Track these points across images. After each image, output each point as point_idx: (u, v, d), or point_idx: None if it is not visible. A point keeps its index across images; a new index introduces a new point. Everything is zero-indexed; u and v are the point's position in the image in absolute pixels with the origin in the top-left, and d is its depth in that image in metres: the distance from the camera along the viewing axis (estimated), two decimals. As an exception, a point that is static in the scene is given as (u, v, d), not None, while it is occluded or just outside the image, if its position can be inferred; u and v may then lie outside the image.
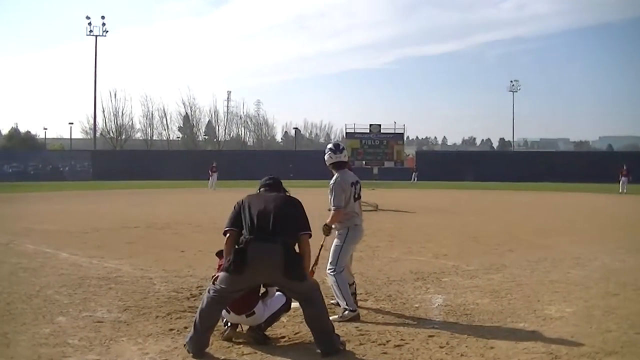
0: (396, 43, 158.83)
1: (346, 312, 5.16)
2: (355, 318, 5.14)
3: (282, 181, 4.82)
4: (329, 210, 5.43)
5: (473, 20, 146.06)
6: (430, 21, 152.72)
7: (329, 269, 5.31)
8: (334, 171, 5.55)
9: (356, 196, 5.51)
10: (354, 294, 5.42)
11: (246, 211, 4.37)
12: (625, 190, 30.35)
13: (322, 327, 4.27)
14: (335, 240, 5.42)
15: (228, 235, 4.42)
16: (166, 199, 24.26)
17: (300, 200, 4.61)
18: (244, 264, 4.13)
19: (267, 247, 4.17)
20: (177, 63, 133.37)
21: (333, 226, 5.44)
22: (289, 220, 4.33)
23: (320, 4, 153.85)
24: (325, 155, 5.62)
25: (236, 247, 4.24)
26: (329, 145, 5.70)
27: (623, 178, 31.01)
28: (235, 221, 4.41)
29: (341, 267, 5.30)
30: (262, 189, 4.71)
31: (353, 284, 5.51)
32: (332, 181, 5.44)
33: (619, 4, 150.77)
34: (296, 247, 4.40)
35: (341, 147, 5.69)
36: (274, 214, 4.30)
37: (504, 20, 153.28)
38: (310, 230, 4.46)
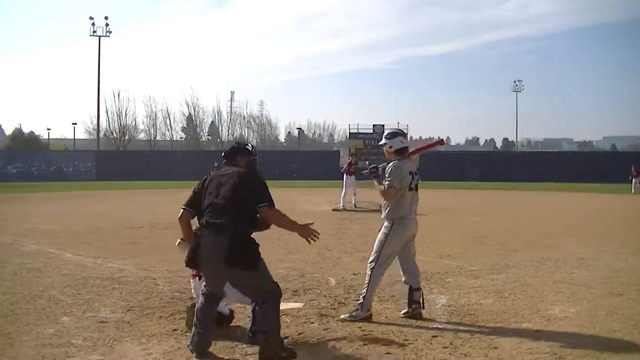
0: (399, 43, 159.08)
1: (358, 311, 5.12)
2: (367, 319, 5.10)
3: (247, 147, 4.57)
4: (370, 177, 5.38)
5: (476, 20, 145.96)
6: (433, 21, 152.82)
7: (370, 262, 5.25)
8: (393, 157, 5.35)
9: (412, 186, 5.33)
10: (417, 302, 5.25)
11: (204, 193, 4.27)
12: (634, 191, 30.13)
13: (264, 326, 4.06)
14: (380, 232, 5.33)
15: (181, 212, 4.40)
16: (169, 200, 24.20)
17: (258, 171, 4.40)
18: (196, 258, 4.14)
19: (214, 239, 4.04)
20: (181, 63, 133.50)
21: (382, 216, 5.37)
22: (242, 201, 4.10)
23: (322, 4, 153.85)
24: (392, 139, 5.37)
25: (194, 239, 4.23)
26: (394, 131, 5.50)
27: (634, 179, 30.81)
28: (192, 202, 4.36)
29: (383, 261, 5.21)
30: (224, 161, 4.51)
31: (419, 290, 5.30)
32: (390, 164, 5.27)
33: (622, 4, 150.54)
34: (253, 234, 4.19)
35: (405, 133, 5.57)
36: (224, 196, 4.12)
37: (506, 20, 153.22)
38: (270, 201, 4.14)
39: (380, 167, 5.39)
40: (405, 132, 51.45)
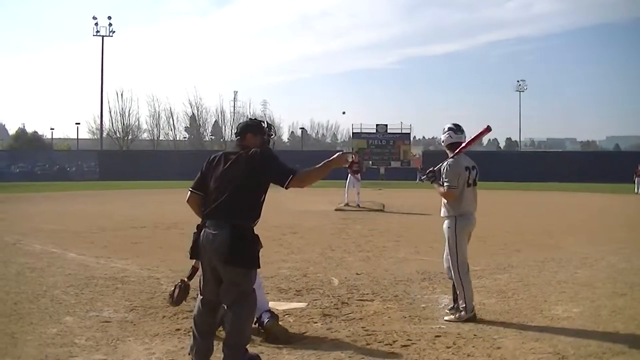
0: (401, 43, 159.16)
1: (463, 313, 5.10)
2: (472, 319, 5.08)
3: (261, 123, 4.14)
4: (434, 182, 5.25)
5: (478, 20, 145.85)
6: (435, 21, 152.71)
7: (454, 271, 5.21)
8: (448, 152, 5.32)
9: (470, 182, 5.28)
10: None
11: (210, 175, 3.89)
12: (638, 191, 30.07)
13: (234, 337, 3.73)
14: (447, 234, 5.28)
15: (188, 195, 4.01)
16: (172, 199, 24.19)
17: (266, 150, 4.00)
18: (197, 249, 3.78)
19: (214, 232, 3.67)
20: (184, 63, 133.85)
21: (442, 214, 5.35)
22: (249, 189, 3.76)
23: (324, 4, 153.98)
24: (443, 134, 5.36)
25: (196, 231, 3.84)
26: (449, 125, 5.37)
27: (638, 178, 30.76)
28: (199, 184, 3.97)
29: (463, 262, 5.22)
30: (237, 138, 4.07)
31: None
32: (445, 163, 5.23)
33: (625, 3, 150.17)
34: (253, 229, 3.84)
35: (462, 128, 5.42)
36: (228, 183, 3.75)
37: (509, 20, 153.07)
38: (290, 171, 3.78)
39: (436, 169, 5.33)
40: (409, 132, 51.53)
